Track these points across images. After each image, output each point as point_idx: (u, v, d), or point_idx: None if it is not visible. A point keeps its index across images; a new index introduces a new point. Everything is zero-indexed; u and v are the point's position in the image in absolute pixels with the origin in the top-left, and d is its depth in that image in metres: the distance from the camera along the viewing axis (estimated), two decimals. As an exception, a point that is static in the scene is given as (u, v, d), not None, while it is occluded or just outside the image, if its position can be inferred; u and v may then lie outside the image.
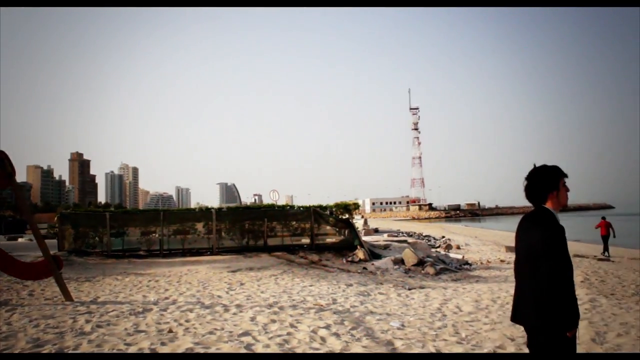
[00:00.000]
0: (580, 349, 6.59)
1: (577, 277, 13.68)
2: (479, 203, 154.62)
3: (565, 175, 3.65)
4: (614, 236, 23.15)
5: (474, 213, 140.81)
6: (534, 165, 3.72)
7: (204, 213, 18.28)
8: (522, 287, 3.64)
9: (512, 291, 10.28)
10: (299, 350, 6.11)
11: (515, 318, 3.70)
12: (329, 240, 17.26)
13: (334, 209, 17.98)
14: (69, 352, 5.87)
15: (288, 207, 19.02)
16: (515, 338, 7.12)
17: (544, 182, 3.61)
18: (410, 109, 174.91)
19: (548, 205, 3.61)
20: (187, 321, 7.56)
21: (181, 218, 18.79)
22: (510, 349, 6.57)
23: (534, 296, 3.50)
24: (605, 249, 22.88)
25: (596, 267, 16.89)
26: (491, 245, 27.55)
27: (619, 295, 11.17)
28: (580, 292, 11.05)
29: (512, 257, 19.72)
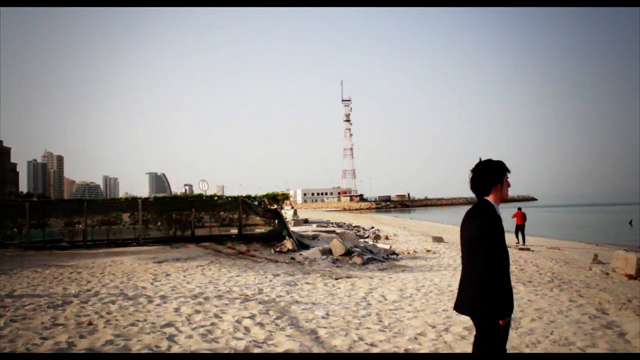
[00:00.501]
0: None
1: (498, 266, 14.20)
2: (408, 194, 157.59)
3: (509, 171, 3.82)
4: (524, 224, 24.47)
5: (403, 204, 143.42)
6: (480, 159, 3.84)
7: (130, 203, 17.83)
8: (464, 275, 3.81)
9: (437, 280, 10.61)
10: (221, 341, 6.08)
11: (456, 307, 3.88)
12: (257, 230, 17.20)
13: (263, 200, 17.93)
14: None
15: (216, 197, 18.85)
16: (435, 325, 7.33)
17: (489, 175, 3.74)
18: (343, 100, 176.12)
19: (491, 197, 3.75)
20: (108, 313, 7.38)
21: (106, 208, 18.24)
22: (431, 335, 6.75)
23: (471, 284, 3.67)
24: (523, 237, 24.13)
25: (517, 257, 17.57)
26: (419, 235, 28.18)
27: (535, 282, 11.66)
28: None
29: (438, 247, 20.27)
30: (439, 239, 23.41)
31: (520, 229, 24.27)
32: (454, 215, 75.03)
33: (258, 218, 17.30)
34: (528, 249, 21.27)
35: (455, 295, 3.96)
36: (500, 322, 3.58)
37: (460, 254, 16.85)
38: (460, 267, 13.78)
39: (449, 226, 42.72)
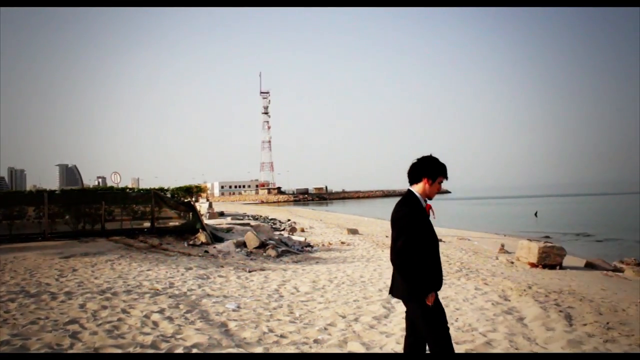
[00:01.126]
0: (404, 323, 7.05)
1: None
2: (326, 187, 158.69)
3: (446, 177, 4.00)
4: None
5: (321, 197, 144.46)
6: (430, 154, 4.00)
7: (35, 196, 17.02)
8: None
9: (349, 271, 10.76)
10: (128, 336, 5.92)
11: (390, 291, 4.07)
12: (171, 223, 16.86)
13: (176, 192, 17.59)
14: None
15: (128, 190, 18.30)
16: (346, 315, 7.46)
17: (427, 167, 3.93)
18: (261, 92, 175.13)
19: (418, 187, 3.95)
20: (6, 312, 7.00)
21: (9, 201, 17.32)
22: (341, 325, 6.86)
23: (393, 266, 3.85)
24: None
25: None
26: (335, 227, 28.49)
27: (444, 272, 12.05)
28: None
29: (352, 239, 20.58)
30: (354, 231, 23.78)
31: None
32: (371, 208, 76.44)
33: (171, 211, 16.95)
34: (440, 240, 21.95)
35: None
36: (427, 301, 3.73)
37: (374, 246, 17.20)
38: (372, 258, 14.14)
39: (364, 218, 43.47)
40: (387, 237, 22.51)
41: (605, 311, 8.50)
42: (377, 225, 32.26)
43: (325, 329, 6.69)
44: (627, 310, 8.75)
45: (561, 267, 15.17)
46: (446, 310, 7.80)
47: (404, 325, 6.84)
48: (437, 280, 3.85)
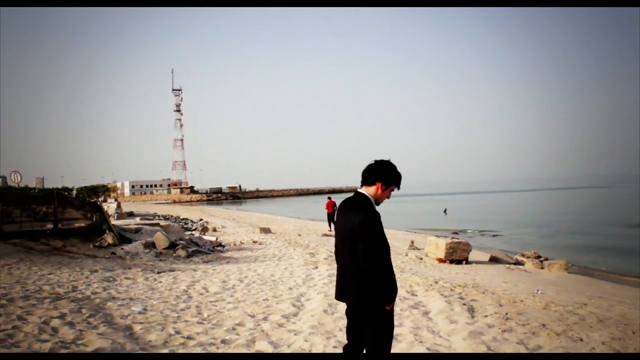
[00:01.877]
0: (313, 321, 7.13)
1: (321, 255, 14.75)
2: (240, 186, 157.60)
3: (398, 187, 3.95)
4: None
5: (235, 196, 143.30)
6: (389, 159, 3.96)
7: None
8: (344, 267, 3.85)
9: (260, 270, 10.73)
10: (23, 344, 5.62)
11: (340, 297, 3.92)
12: (76, 225, 16.19)
13: (81, 192, 16.93)
14: None
15: (28, 190, 17.40)
16: (255, 315, 7.44)
17: (382, 171, 3.87)
18: (173, 90, 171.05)
19: (370, 190, 3.87)
20: None
21: None
22: (250, 325, 6.84)
23: (354, 275, 3.72)
24: (333, 223, 25.33)
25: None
26: (247, 227, 28.33)
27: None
28: (322, 269, 11.93)
29: (265, 238, 20.54)
30: (266, 230, 23.74)
31: (331, 217, 25.72)
32: (284, 207, 76.61)
33: (76, 212, 16.27)
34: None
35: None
36: (387, 307, 3.73)
37: (286, 245, 17.20)
38: (284, 257, 14.18)
39: (278, 217, 43.49)
40: (299, 235, 22.64)
41: (505, 302, 8.94)
42: (290, 224, 32.35)
43: (234, 328, 6.65)
44: (524, 301, 9.23)
45: (467, 262, 15.78)
46: (354, 306, 7.97)
47: (312, 323, 6.96)
48: (395, 287, 3.83)
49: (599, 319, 7.91)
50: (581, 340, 6.48)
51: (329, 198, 27.18)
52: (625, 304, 9.79)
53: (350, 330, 3.98)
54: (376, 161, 3.95)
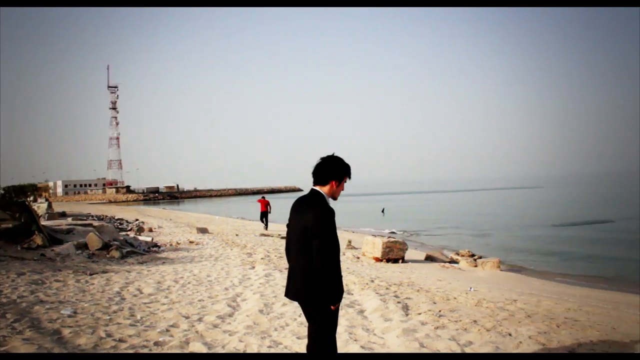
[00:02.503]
0: (248, 321, 7.10)
1: (258, 255, 14.70)
2: (177, 186, 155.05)
3: (350, 177, 4.01)
4: (270, 212, 27.81)
5: (172, 196, 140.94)
6: (333, 153, 3.99)
7: None
8: (295, 264, 3.89)
9: (196, 271, 10.60)
10: (-58, 351, 5.38)
11: (288, 294, 3.97)
12: (3, 226, 15.53)
13: (8, 192, 16.26)
14: None
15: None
16: (189, 316, 7.35)
17: (334, 169, 3.90)
18: (109, 87, 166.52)
19: (325, 189, 3.90)
20: None
21: None
22: (184, 326, 6.75)
23: (304, 273, 3.76)
24: (265, 223, 27.23)
25: (278, 245, 18.34)
26: (184, 227, 27.95)
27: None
28: (259, 269, 11.89)
29: (202, 238, 20.30)
30: (203, 230, 23.48)
31: (264, 215, 27.39)
32: (222, 206, 75.91)
33: (2, 212, 15.60)
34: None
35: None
36: (332, 307, 3.79)
37: (223, 245, 17.05)
38: (221, 257, 14.05)
39: (216, 217, 43.08)
40: (236, 235, 22.49)
41: (439, 300, 9.15)
42: (227, 224, 32.10)
43: (167, 330, 6.55)
44: (457, 299, 9.47)
45: (404, 261, 16.07)
46: (291, 306, 8.00)
47: (247, 323, 6.94)
48: (342, 287, 3.88)
49: (527, 314, 8.20)
50: (510, 335, 6.70)
51: (263, 197, 28.22)
52: (552, 299, 10.19)
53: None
54: (325, 159, 3.98)
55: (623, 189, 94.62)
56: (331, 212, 3.81)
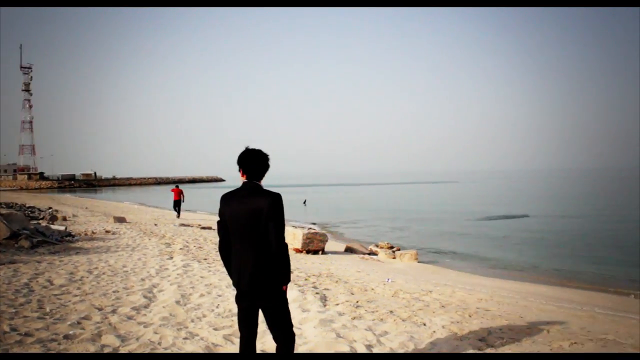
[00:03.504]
0: (164, 312, 6.94)
1: (177, 245, 14.42)
2: (95, 173, 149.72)
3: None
4: (183, 201, 29.01)
5: (89, 183, 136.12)
6: (252, 148, 4.03)
7: None
8: (244, 253, 3.90)
9: (112, 261, 10.26)
10: None
11: (239, 284, 3.95)
12: None
13: None
14: None
15: None
16: (103, 307, 7.12)
17: (267, 164, 4.03)
18: (22, 67, 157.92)
19: (261, 182, 4.02)
20: None
21: None
22: (96, 318, 6.54)
23: (257, 257, 3.84)
24: (178, 211, 28.38)
25: (197, 235, 18.07)
26: (101, 216, 27.07)
27: (210, 259, 12.11)
28: (177, 259, 11.67)
29: (119, 227, 19.70)
30: (121, 219, 22.82)
31: (177, 204, 28.32)
32: (142, 196, 74.07)
33: None
34: (210, 228, 22.05)
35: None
36: (284, 287, 3.96)
37: (140, 234, 16.63)
38: (138, 247, 13.68)
39: (134, 206, 42.00)
40: (155, 225, 21.99)
41: (357, 291, 9.26)
42: (146, 213, 31.36)
43: (79, 323, 6.30)
44: (375, 290, 9.63)
45: (324, 252, 16.19)
46: (208, 297, 7.89)
47: (163, 314, 6.80)
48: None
49: (441, 304, 8.44)
50: (424, 324, 6.87)
51: (177, 186, 29.10)
52: (465, 290, 10.52)
53: (244, 318, 4.05)
54: (259, 155, 4.01)
55: (541, 185, 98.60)
56: (281, 198, 3.94)
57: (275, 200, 3.87)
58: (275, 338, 4.10)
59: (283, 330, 4.05)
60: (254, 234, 3.85)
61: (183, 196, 28.53)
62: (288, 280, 3.98)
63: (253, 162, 3.98)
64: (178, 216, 27.85)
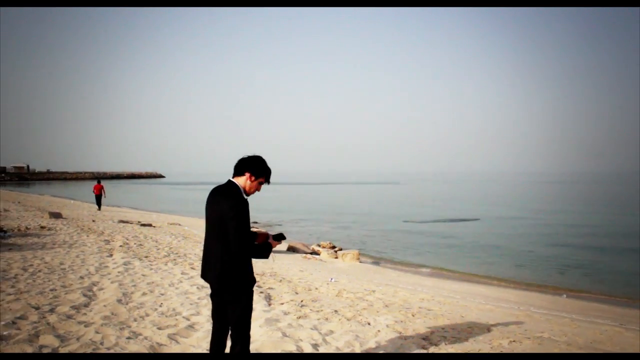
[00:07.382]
0: (105, 311, 6.76)
1: (117, 242, 14.07)
2: (28, 166, 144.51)
3: (268, 181, 4.17)
4: (105, 197, 30.77)
5: (22, 177, 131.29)
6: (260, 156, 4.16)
7: None
8: (211, 250, 4.00)
9: (48, 258, 9.93)
10: None
11: (206, 277, 4.08)
12: None
13: None
14: None
15: None
16: (40, 306, 6.86)
17: (251, 164, 4.06)
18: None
19: (240, 180, 4.04)
20: None
21: None
22: (33, 318, 6.28)
23: (221, 257, 3.91)
24: (99, 205, 30.17)
25: (137, 232, 17.67)
26: (35, 211, 26.08)
27: (152, 257, 11.88)
28: (117, 257, 11.39)
29: (55, 223, 19.05)
30: (56, 215, 22.07)
31: (98, 198, 30.15)
32: (78, 190, 71.95)
33: None
34: (150, 225, 21.61)
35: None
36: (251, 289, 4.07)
37: (78, 231, 16.16)
38: (76, 244, 13.26)
39: (71, 201, 40.72)
40: (93, 221, 21.40)
41: (301, 290, 9.28)
42: (83, 209, 30.45)
43: (14, 322, 6.04)
44: (319, 289, 9.68)
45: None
46: (151, 295, 7.74)
47: (105, 313, 6.63)
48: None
49: (385, 304, 8.55)
50: (369, 324, 6.95)
51: (98, 182, 30.48)
52: (407, 290, 10.72)
53: (215, 312, 4.16)
54: (249, 156, 4.15)
55: (497, 188, 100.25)
56: (245, 202, 3.99)
57: (234, 203, 3.91)
58: (230, 336, 4.14)
59: (238, 330, 4.07)
60: (220, 234, 3.94)
61: (104, 191, 30.41)
62: (252, 281, 4.06)
63: (237, 161, 4.14)
64: (99, 209, 29.74)
